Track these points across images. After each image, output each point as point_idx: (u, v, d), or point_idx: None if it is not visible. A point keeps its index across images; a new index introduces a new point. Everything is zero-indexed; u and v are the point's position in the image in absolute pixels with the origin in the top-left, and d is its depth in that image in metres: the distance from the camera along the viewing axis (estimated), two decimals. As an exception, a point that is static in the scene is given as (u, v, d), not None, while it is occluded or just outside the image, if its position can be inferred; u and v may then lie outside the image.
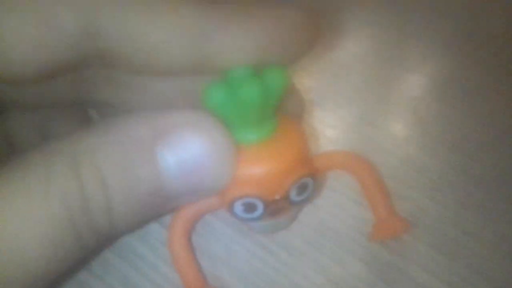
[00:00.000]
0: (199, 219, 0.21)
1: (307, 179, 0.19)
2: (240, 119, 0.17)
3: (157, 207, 0.17)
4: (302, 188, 0.19)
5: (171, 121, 0.16)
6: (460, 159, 0.26)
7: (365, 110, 0.29)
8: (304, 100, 0.23)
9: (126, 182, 0.16)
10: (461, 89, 0.30)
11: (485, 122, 0.28)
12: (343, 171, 0.23)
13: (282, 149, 0.18)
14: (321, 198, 0.25)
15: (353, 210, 0.24)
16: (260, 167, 0.18)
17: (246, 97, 0.16)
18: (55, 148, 0.16)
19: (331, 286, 0.22)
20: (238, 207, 0.19)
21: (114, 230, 0.17)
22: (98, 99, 0.21)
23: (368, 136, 0.28)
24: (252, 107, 0.17)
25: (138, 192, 0.16)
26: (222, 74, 0.17)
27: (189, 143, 0.16)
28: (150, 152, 0.16)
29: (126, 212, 0.16)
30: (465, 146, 0.27)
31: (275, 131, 0.18)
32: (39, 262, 0.15)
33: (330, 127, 0.28)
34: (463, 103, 0.29)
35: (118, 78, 0.19)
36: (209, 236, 0.24)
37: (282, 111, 0.19)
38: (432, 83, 0.31)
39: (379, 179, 0.22)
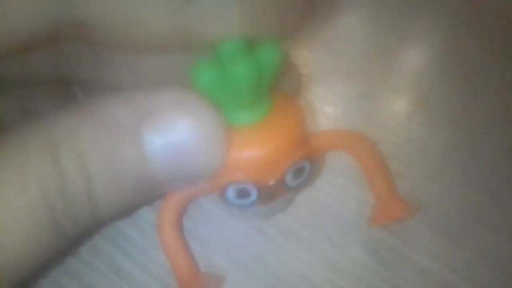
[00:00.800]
0: (189, 204, 0.20)
1: (304, 162, 0.18)
2: (231, 99, 0.16)
3: (144, 194, 0.16)
4: (299, 172, 0.18)
5: (157, 101, 0.15)
6: (465, 138, 0.25)
7: (365, 86, 0.28)
8: (301, 75, 0.22)
9: (109, 168, 0.15)
10: (466, 64, 0.28)
11: (492, 99, 0.27)
12: (343, 151, 0.21)
13: (277, 131, 0.17)
14: (319, 179, 0.23)
15: (353, 191, 0.23)
16: (253, 151, 0.17)
17: (238, 76, 0.15)
18: (32, 130, 0.15)
19: (329, 271, 0.21)
20: (231, 193, 0.18)
21: (97, 219, 0.16)
22: (81, 76, 0.20)
23: (368, 113, 0.27)
24: (244, 87, 0.16)
25: (123, 178, 0.15)
26: (210, 51, 0.16)
27: (176, 125, 0.15)
28: (135, 134, 0.15)
29: (109, 200, 0.15)
30: (470, 124, 0.26)
31: (269, 111, 0.17)
32: (16, 252, 0.14)
33: (328, 104, 0.27)
34: (468, 78, 0.28)
35: (101, 54, 0.18)
36: (200, 219, 0.22)
37: (277, 88, 0.18)
38: (436, 57, 0.29)
39: (380, 159, 0.21)
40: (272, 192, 0.18)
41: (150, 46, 0.16)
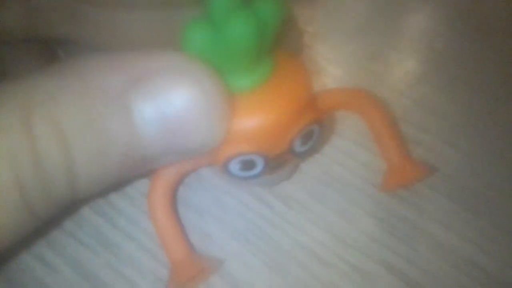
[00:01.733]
0: (184, 178, 0.18)
1: (313, 126, 0.16)
2: (229, 63, 0.14)
3: (132, 170, 0.14)
4: (307, 137, 0.16)
5: (149, 65, 0.13)
6: (482, 100, 0.23)
7: (375, 45, 0.26)
8: (304, 33, 0.20)
9: (92, 140, 0.13)
10: (483, 21, 0.27)
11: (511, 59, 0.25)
12: (350, 111, 0.20)
13: (282, 95, 0.15)
14: (324, 142, 0.22)
15: (362, 157, 0.21)
16: (257, 119, 0.15)
17: (234, 35, 0.13)
18: (3, 95, 0.12)
19: (337, 244, 0.19)
20: (234, 166, 0.16)
21: (77, 197, 0.14)
22: (58, 34, 0.18)
23: (377, 74, 0.25)
24: (242, 47, 0.14)
25: (107, 153, 0.13)
26: (202, 7, 0.14)
27: (171, 93, 0.13)
28: (123, 103, 0.13)
29: (91, 176, 0.13)
30: (488, 86, 0.24)
31: (272, 74, 0.15)
32: None
33: (334, 64, 0.25)
34: (485, 36, 0.26)
35: (79, 10, 0.16)
36: (197, 187, 0.21)
37: (279, 47, 0.16)
38: (450, 14, 0.27)
39: (390, 120, 0.19)
40: (279, 161, 0.16)
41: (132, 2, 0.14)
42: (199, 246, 0.19)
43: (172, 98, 0.13)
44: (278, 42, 0.15)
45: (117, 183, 0.15)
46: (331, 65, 0.25)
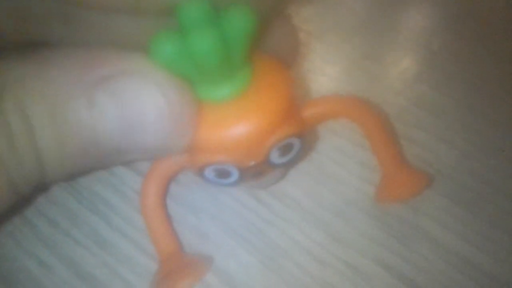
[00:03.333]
0: (176, 176, 0.18)
1: (292, 138, 0.16)
2: (199, 74, 0.14)
3: (96, 161, 0.15)
4: (287, 149, 0.16)
5: (117, 64, 0.14)
6: (479, 99, 0.23)
7: (371, 44, 0.26)
8: (299, 31, 0.20)
9: (55, 129, 0.13)
10: (479, 20, 0.26)
11: (507, 58, 0.25)
12: (347, 119, 0.19)
13: (258, 106, 0.15)
14: (321, 141, 0.22)
15: (358, 155, 0.21)
16: (231, 129, 0.15)
17: (200, 49, 0.13)
18: None
19: (333, 243, 0.19)
20: (209, 173, 0.16)
21: (46, 178, 0.14)
22: (53, 39, 0.17)
23: (373, 73, 0.25)
24: (209, 60, 0.13)
25: (69, 143, 0.13)
26: (173, 19, 0.14)
27: (133, 95, 0.14)
28: (88, 97, 0.13)
29: (56, 163, 0.13)
30: (484, 85, 0.24)
31: (249, 83, 0.15)
32: None
33: (330, 63, 0.25)
34: (481, 36, 0.26)
35: (72, 14, 0.16)
36: (192, 185, 0.21)
37: (261, 54, 0.16)
38: (446, 13, 0.27)
39: (386, 128, 0.19)
40: (255, 171, 0.16)
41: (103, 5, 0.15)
42: (195, 244, 0.19)
43: (134, 100, 0.14)
44: (257, 50, 0.15)
45: (85, 170, 0.15)
46: (327, 64, 0.25)
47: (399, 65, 0.25)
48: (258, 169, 0.16)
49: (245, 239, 0.19)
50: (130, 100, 0.14)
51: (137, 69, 0.14)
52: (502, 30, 0.26)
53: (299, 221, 0.20)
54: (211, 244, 0.19)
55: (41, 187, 0.15)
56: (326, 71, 0.25)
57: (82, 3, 0.15)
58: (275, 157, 0.16)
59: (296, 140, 0.16)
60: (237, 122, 0.15)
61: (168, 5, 0.14)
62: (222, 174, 0.16)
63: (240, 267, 0.19)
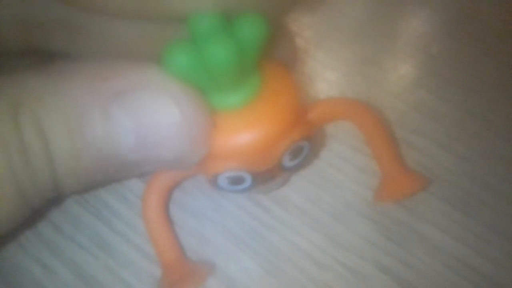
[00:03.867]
0: (177, 185, 0.19)
1: (301, 143, 0.16)
2: (212, 83, 0.14)
3: (111, 173, 0.15)
4: (297, 152, 0.16)
5: (132, 77, 0.14)
6: (478, 104, 0.23)
7: (370, 50, 0.26)
8: (296, 38, 0.20)
9: (71, 143, 0.13)
10: (478, 25, 0.27)
11: (506, 62, 0.25)
12: (346, 121, 0.20)
13: (269, 112, 0.15)
14: (320, 147, 0.22)
15: (358, 161, 0.21)
16: (244, 137, 0.15)
17: (214, 58, 0.13)
18: None
19: (333, 247, 0.19)
20: (223, 181, 0.16)
21: (62, 192, 0.14)
22: (53, 47, 0.18)
23: (373, 78, 0.25)
24: (223, 69, 0.14)
25: (85, 156, 0.13)
26: (185, 29, 0.14)
27: (150, 109, 0.14)
28: (104, 111, 0.13)
29: (71, 176, 0.13)
30: (483, 89, 0.24)
31: (259, 90, 0.15)
32: None
33: (330, 69, 0.25)
34: (481, 40, 0.26)
35: (72, 21, 0.17)
36: (194, 190, 0.21)
37: (267, 60, 0.16)
38: (445, 18, 0.27)
39: (385, 129, 0.19)
40: (268, 176, 0.16)
41: (121, 13, 0.15)
42: (196, 249, 0.19)
43: (149, 114, 0.14)
44: (263, 59, 0.15)
45: (100, 183, 0.15)
46: (327, 70, 0.25)
47: (398, 70, 0.25)
48: (271, 173, 0.16)
49: (246, 244, 0.20)
50: (145, 114, 0.13)
51: (152, 81, 0.14)
52: (501, 34, 0.26)
53: (299, 225, 0.20)
54: (212, 248, 0.20)
55: (54, 200, 0.15)
56: (325, 77, 0.25)
57: (88, 6, 0.15)
58: (287, 161, 0.16)
59: (305, 143, 0.16)
60: (249, 128, 0.15)
61: (179, 14, 0.14)
62: (236, 181, 0.16)
63: (241, 272, 0.19)
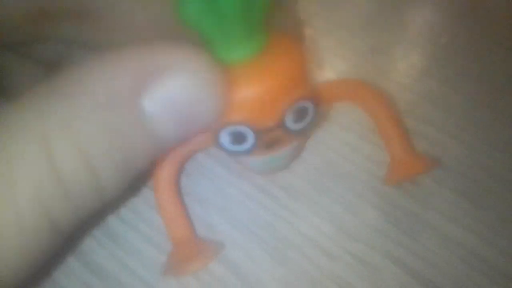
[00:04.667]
0: (188, 159, 0.18)
1: (306, 102, 0.16)
2: (221, 32, 0.14)
3: (148, 161, 0.14)
4: (301, 114, 0.16)
5: (155, 63, 0.13)
6: (487, 94, 0.23)
7: (379, 39, 0.25)
8: (302, 23, 0.20)
9: (114, 152, 0.13)
10: (487, 14, 0.26)
11: (517, 52, 0.24)
12: (352, 103, 0.19)
13: (273, 67, 0.15)
14: (329, 135, 0.22)
15: (366, 150, 0.21)
16: (246, 88, 0.15)
17: (225, 5, 0.13)
18: (19, 123, 0.12)
19: (341, 236, 0.19)
20: (225, 138, 0.16)
21: (104, 205, 0.14)
22: (62, 35, 0.18)
23: (382, 68, 0.24)
24: (233, 14, 0.14)
25: (131, 159, 0.13)
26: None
27: (179, 88, 0.13)
28: (136, 106, 0.13)
29: (119, 184, 0.13)
30: (493, 79, 0.24)
31: (265, 48, 0.15)
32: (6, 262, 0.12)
33: (339, 58, 0.25)
34: (490, 29, 0.25)
35: (82, 8, 0.16)
36: (200, 178, 0.21)
37: (272, 27, 0.16)
38: (455, 6, 0.27)
39: (394, 112, 0.19)
40: (271, 137, 0.16)
41: None
42: (202, 236, 0.19)
43: (180, 93, 0.13)
44: (270, 18, 0.15)
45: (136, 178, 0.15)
46: (336, 59, 0.25)
47: (407, 60, 0.25)
48: (274, 134, 0.16)
49: (253, 232, 0.19)
50: (175, 95, 0.13)
51: (175, 62, 0.13)
52: (511, 23, 0.26)
53: (307, 214, 0.20)
54: (219, 236, 0.19)
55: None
56: (334, 66, 0.25)
57: None
58: (290, 122, 0.16)
59: (310, 105, 0.16)
60: (252, 81, 0.15)
61: None
62: (238, 138, 0.16)
63: (248, 260, 0.19)
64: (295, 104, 0.15)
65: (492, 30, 0.26)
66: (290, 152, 0.18)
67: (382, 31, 0.26)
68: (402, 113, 0.22)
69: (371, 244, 0.19)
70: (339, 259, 0.19)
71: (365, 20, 0.26)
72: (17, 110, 0.12)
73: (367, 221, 0.19)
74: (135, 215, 0.20)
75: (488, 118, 0.22)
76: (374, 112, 0.19)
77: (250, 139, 0.16)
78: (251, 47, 0.15)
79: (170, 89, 0.13)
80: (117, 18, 0.17)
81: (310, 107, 0.16)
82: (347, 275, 0.18)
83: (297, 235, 0.19)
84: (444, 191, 0.20)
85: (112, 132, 0.13)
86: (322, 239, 0.19)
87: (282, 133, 0.16)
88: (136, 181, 0.15)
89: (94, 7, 0.16)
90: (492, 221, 0.19)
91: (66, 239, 0.14)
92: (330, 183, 0.20)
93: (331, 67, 0.24)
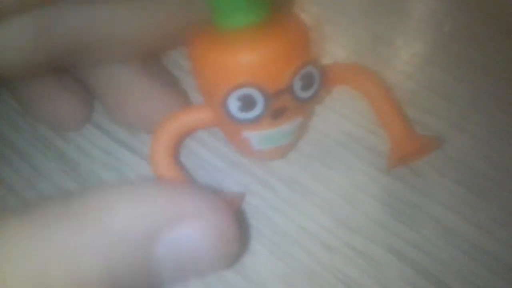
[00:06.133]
0: (188, 134, 0.18)
1: (312, 68, 0.16)
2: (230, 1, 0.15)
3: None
4: (308, 81, 0.16)
5: (174, 210, 0.13)
6: (491, 83, 0.23)
7: (381, 27, 0.25)
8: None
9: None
10: (490, 2, 0.26)
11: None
12: (349, 87, 0.19)
13: (278, 31, 0.15)
14: (328, 125, 0.21)
15: (366, 140, 0.21)
16: (256, 50, 0.15)
17: None
18: (17, 241, 0.12)
19: (341, 228, 0.19)
20: (233, 104, 0.15)
21: None
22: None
23: (384, 56, 0.24)
24: None
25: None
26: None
27: (190, 237, 0.13)
28: (144, 251, 0.13)
29: None
30: (497, 68, 0.23)
31: (269, 17, 0.16)
32: None
33: (339, 47, 0.24)
34: (494, 17, 0.25)
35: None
36: (197, 170, 0.20)
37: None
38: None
39: (392, 95, 0.19)
40: (280, 104, 0.16)
41: None
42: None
43: (190, 242, 0.13)
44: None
45: None
46: (336, 47, 0.24)
47: (410, 48, 0.24)
48: (283, 100, 0.16)
49: (252, 226, 0.19)
50: (188, 242, 0.13)
51: (196, 212, 0.13)
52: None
53: (307, 206, 0.19)
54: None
55: None
56: (334, 54, 0.24)
57: None
58: (298, 89, 0.16)
59: (316, 72, 0.16)
60: (260, 44, 0.15)
61: None
62: (247, 104, 0.16)
63: (247, 254, 0.18)
64: (303, 69, 0.15)
65: (495, 18, 0.25)
66: (296, 127, 0.17)
67: (384, 18, 0.25)
68: (405, 102, 0.22)
69: (371, 236, 0.19)
70: (339, 252, 0.18)
71: (366, 7, 0.26)
72: (19, 232, 0.12)
73: (367, 213, 0.19)
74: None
75: (491, 107, 0.22)
76: (372, 94, 0.19)
77: (259, 104, 0.16)
78: (258, 11, 0.15)
79: (181, 236, 0.13)
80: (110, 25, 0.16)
81: (316, 75, 0.16)
82: (347, 268, 0.18)
83: (296, 228, 0.19)
84: (446, 181, 0.20)
85: (110, 270, 0.12)
86: (321, 232, 0.19)
87: (290, 100, 0.16)
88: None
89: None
90: (495, 212, 0.19)
91: None
92: (331, 174, 0.20)
93: (331, 55, 0.24)
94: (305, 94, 0.16)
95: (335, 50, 0.24)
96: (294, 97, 0.16)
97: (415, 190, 0.19)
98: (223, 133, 0.19)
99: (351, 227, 0.19)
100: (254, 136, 0.17)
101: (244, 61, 0.15)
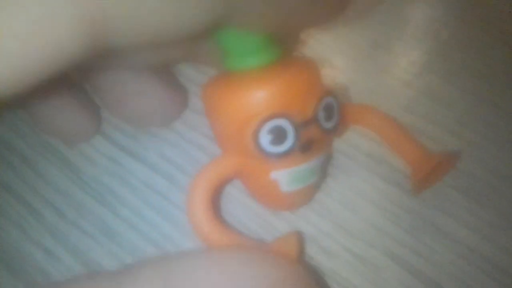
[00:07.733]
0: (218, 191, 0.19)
1: (331, 99, 0.17)
2: (243, 44, 0.16)
3: None
4: (329, 112, 0.16)
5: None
6: (489, 90, 0.23)
7: (379, 34, 0.25)
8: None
9: None
10: (488, 9, 0.26)
11: (518, 48, 0.24)
12: (361, 126, 0.20)
13: (296, 67, 0.16)
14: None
15: (365, 146, 0.21)
16: (283, 82, 0.16)
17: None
18: None
19: (342, 235, 0.19)
20: (265, 137, 0.15)
21: None
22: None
23: (381, 63, 0.24)
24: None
25: None
26: None
27: None
28: None
29: None
30: (494, 75, 0.23)
31: (279, 57, 0.17)
32: None
33: (338, 54, 0.25)
34: (491, 25, 0.25)
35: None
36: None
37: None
38: (455, 2, 0.27)
39: (402, 127, 0.20)
40: (308, 136, 0.16)
41: None
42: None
43: None
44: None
45: None
46: (335, 54, 0.24)
47: (407, 55, 0.24)
48: (311, 131, 0.16)
49: (252, 231, 0.19)
50: None
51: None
52: (511, 19, 0.26)
53: (307, 212, 0.19)
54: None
55: None
56: (334, 62, 0.24)
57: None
58: (323, 119, 0.16)
59: (335, 103, 0.17)
60: (285, 77, 0.16)
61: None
62: (278, 137, 0.16)
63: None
64: (324, 99, 0.16)
65: (494, 25, 0.25)
66: (321, 162, 0.18)
67: (382, 26, 0.26)
68: (402, 110, 0.22)
69: (371, 242, 0.19)
70: (338, 257, 0.19)
71: (364, 14, 0.26)
72: None
73: (366, 219, 0.19)
74: (132, 212, 0.20)
75: (489, 114, 0.22)
76: (385, 131, 0.20)
77: (290, 136, 0.16)
78: (269, 55, 0.16)
79: None
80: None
81: (335, 106, 0.17)
82: (347, 273, 0.18)
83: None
84: (445, 188, 0.20)
85: None
86: (321, 237, 0.19)
87: (317, 130, 0.16)
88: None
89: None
90: (493, 218, 0.19)
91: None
92: (330, 180, 0.20)
93: (330, 63, 0.24)
94: (328, 125, 0.16)
95: (333, 58, 0.24)
96: (319, 127, 0.16)
97: (414, 197, 0.20)
98: (246, 182, 0.18)
99: (350, 232, 0.19)
100: (283, 175, 0.17)
101: (273, 93, 0.15)
